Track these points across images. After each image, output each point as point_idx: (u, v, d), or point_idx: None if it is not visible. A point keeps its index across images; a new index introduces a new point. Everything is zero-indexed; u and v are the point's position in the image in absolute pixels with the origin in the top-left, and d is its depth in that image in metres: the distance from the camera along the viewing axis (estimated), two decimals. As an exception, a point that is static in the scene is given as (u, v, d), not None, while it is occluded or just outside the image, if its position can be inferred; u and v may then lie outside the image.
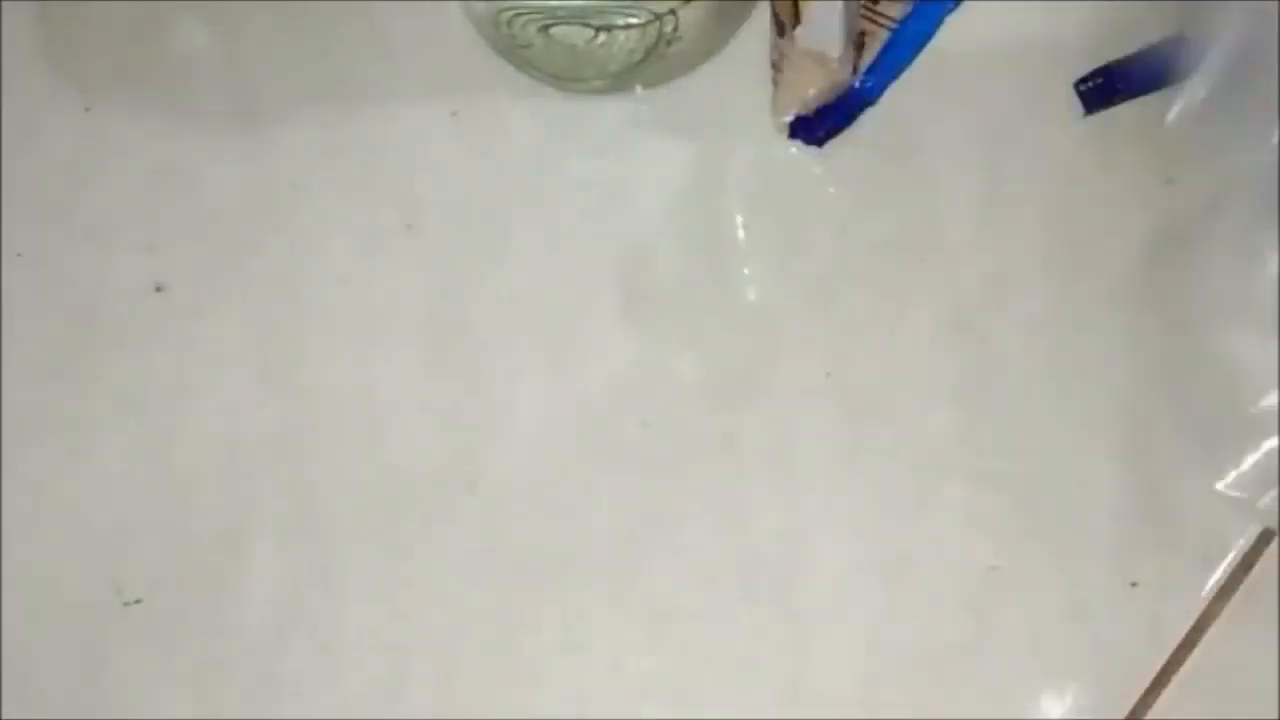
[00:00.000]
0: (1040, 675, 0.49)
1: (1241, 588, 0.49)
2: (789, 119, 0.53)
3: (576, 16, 0.50)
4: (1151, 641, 0.49)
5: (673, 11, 0.50)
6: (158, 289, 0.54)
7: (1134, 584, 0.49)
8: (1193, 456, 0.50)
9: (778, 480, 0.50)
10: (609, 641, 0.50)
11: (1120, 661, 0.49)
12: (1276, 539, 0.49)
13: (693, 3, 0.50)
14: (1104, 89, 0.52)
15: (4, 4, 0.57)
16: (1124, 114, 0.52)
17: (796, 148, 0.54)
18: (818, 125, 0.53)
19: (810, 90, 0.53)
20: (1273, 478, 0.48)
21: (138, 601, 0.51)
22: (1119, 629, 0.49)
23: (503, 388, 0.52)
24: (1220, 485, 0.49)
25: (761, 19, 0.54)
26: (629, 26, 0.50)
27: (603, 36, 0.50)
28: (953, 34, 0.54)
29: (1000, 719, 0.49)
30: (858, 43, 0.53)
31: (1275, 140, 0.46)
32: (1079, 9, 0.54)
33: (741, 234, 0.53)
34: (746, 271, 0.53)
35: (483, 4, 0.51)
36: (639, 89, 0.54)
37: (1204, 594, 0.49)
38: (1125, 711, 0.49)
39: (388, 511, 0.51)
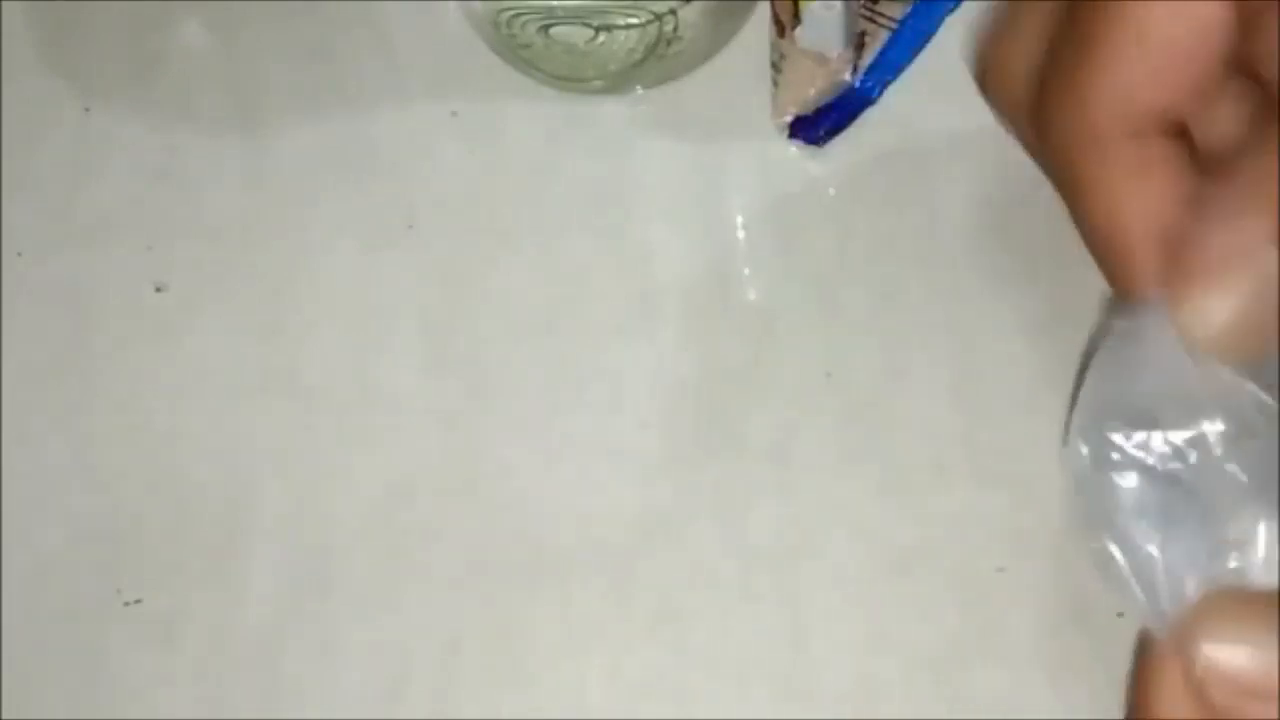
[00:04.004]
0: (1041, 675, 0.49)
1: (1241, 588, 0.49)
2: (789, 119, 0.53)
3: (576, 16, 0.50)
4: (1151, 641, 0.49)
5: (673, 11, 0.50)
6: (158, 289, 0.54)
7: (1134, 584, 0.49)
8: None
9: (778, 480, 0.50)
10: (609, 641, 0.49)
11: (1121, 662, 0.49)
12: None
13: (693, 3, 0.50)
14: (1104, 89, 0.52)
15: (4, 4, 0.57)
16: (1124, 114, 0.52)
17: (796, 148, 0.54)
18: (818, 125, 0.53)
19: (810, 90, 0.53)
20: None
21: (138, 601, 0.51)
22: (1119, 629, 0.49)
23: (503, 388, 0.52)
24: None
25: (761, 19, 0.54)
26: (629, 26, 0.50)
27: (603, 36, 0.50)
28: (953, 34, 0.54)
29: (1000, 719, 0.48)
30: (858, 43, 0.53)
31: None
32: (1079, 9, 0.54)
33: (741, 234, 0.53)
34: (746, 271, 0.53)
35: (482, 4, 0.51)
36: (639, 89, 0.54)
37: (1204, 594, 0.49)
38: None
39: (387, 511, 0.51)
